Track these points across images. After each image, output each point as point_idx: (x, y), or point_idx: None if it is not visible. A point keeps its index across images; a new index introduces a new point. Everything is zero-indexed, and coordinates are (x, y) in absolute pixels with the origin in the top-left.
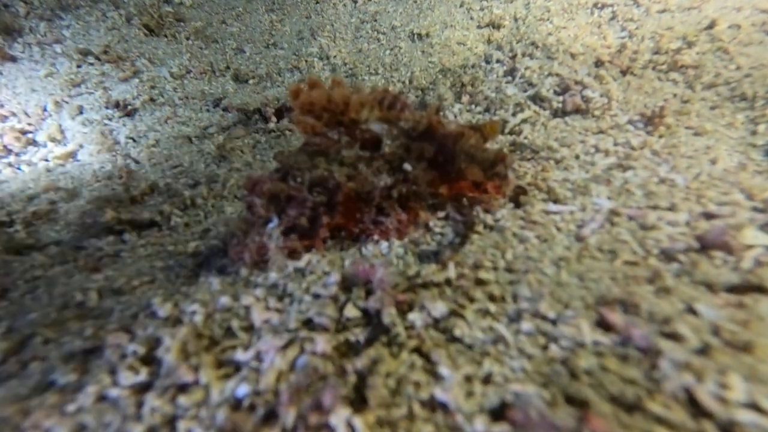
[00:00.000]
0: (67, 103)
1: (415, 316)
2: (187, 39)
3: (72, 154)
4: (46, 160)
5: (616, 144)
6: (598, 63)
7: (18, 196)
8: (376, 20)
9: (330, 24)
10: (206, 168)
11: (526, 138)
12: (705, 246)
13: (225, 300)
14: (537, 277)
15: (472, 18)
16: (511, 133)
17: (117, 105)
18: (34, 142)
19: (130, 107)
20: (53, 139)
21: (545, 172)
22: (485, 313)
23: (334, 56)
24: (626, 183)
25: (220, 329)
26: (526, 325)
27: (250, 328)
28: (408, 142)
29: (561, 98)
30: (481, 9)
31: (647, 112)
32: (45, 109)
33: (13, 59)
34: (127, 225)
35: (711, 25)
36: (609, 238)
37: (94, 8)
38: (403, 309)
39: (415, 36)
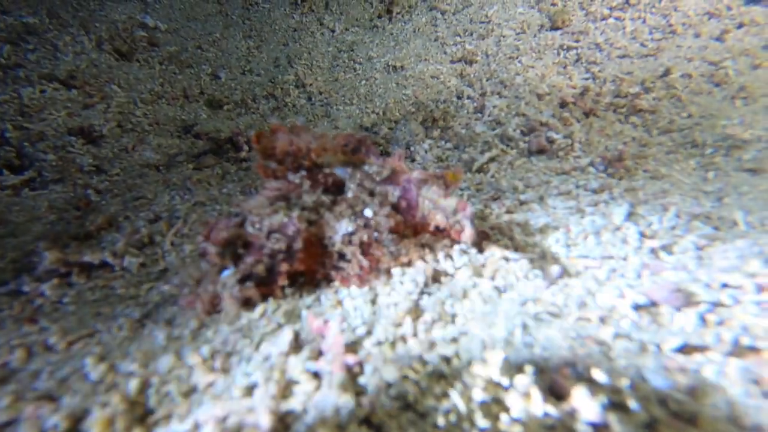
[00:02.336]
0: (28, 129)
1: (366, 381)
2: (161, 64)
3: (29, 182)
4: (2, 188)
5: (577, 186)
6: (563, 104)
7: None
8: (353, 50)
9: (307, 52)
10: (170, 201)
11: (493, 177)
12: (654, 302)
13: (167, 360)
14: (486, 337)
15: (445, 52)
16: (478, 171)
17: (81, 131)
18: None
19: (95, 134)
20: (9, 166)
21: (509, 213)
22: (440, 377)
23: (310, 84)
24: (584, 230)
25: (157, 395)
26: (478, 394)
27: (191, 392)
28: (372, 186)
29: (527, 138)
30: (455, 44)
31: (608, 155)
32: (2, 135)
33: None
34: (75, 266)
35: (666, 73)
36: (565, 290)
37: (63, 32)
38: (355, 372)
39: (391, 68)
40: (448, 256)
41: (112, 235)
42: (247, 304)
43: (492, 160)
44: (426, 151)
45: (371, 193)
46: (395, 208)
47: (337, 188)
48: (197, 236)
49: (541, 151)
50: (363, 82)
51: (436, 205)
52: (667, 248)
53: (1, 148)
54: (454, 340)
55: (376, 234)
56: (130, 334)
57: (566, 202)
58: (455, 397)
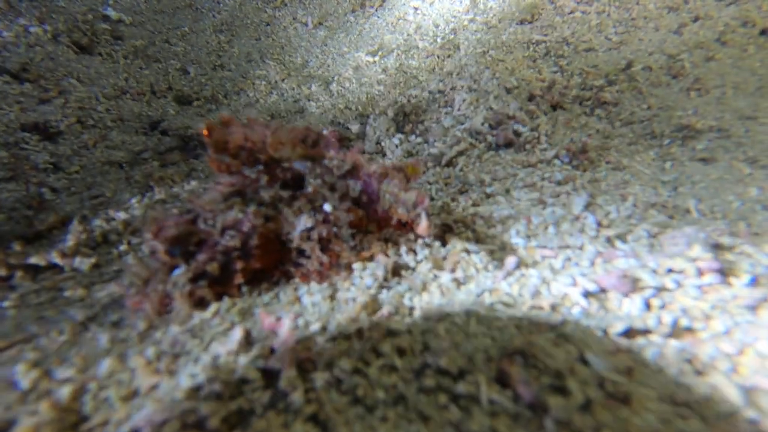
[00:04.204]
0: None
1: (317, 376)
2: (125, 58)
3: None
4: None
5: (542, 179)
6: (531, 97)
7: None
8: (326, 45)
9: (280, 47)
10: (128, 199)
11: (461, 171)
12: (603, 288)
13: (108, 363)
14: (447, 327)
15: (418, 47)
16: (447, 165)
17: (36, 127)
18: None
19: (52, 130)
20: None
21: (475, 206)
22: (391, 369)
23: (283, 80)
24: (544, 221)
25: (93, 401)
26: (429, 381)
27: (132, 397)
28: (333, 180)
29: (495, 132)
30: (426, 39)
31: (572, 147)
32: None
33: None
34: (18, 268)
35: (628, 66)
36: (520, 281)
37: (13, 23)
38: (307, 368)
39: (364, 63)
40: (411, 250)
41: (65, 235)
42: (200, 303)
43: (460, 153)
44: (396, 146)
45: (332, 188)
46: (356, 202)
47: (296, 183)
48: (145, 232)
49: (508, 144)
50: (336, 77)
51: (397, 198)
52: (621, 236)
53: None
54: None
55: (335, 229)
56: (71, 338)
57: (530, 194)
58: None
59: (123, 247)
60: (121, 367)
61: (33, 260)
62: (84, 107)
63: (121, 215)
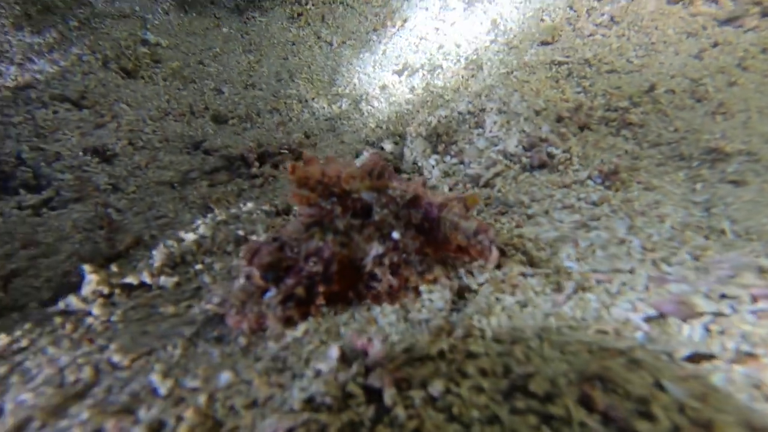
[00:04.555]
0: (42, 149)
1: (414, 394)
2: (164, 80)
3: (47, 202)
4: (19, 208)
5: (578, 199)
6: (559, 119)
7: None
8: (351, 64)
9: (307, 66)
10: (192, 219)
11: (499, 192)
12: (662, 314)
13: (227, 376)
14: (523, 351)
15: (441, 67)
16: (485, 186)
17: (95, 150)
18: (4, 189)
19: (108, 153)
20: (26, 186)
21: (519, 227)
22: (479, 390)
23: (313, 98)
24: (591, 244)
25: (223, 409)
26: (519, 404)
27: (252, 406)
28: (396, 209)
29: (528, 153)
30: (450, 59)
31: (604, 168)
32: (19, 156)
33: None
34: (118, 287)
35: (651, 89)
36: (581, 305)
37: (68, 52)
38: (402, 386)
39: (390, 82)
40: (469, 273)
41: (140, 253)
42: (289, 322)
43: (497, 175)
44: (433, 167)
45: (396, 216)
46: (418, 228)
47: (364, 212)
48: (239, 259)
49: (542, 166)
50: (364, 96)
51: (456, 226)
52: (666, 260)
53: (18, 168)
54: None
55: (404, 255)
56: (184, 352)
57: (571, 215)
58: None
59: (198, 267)
60: (237, 379)
61: (128, 279)
62: (134, 130)
63: (191, 236)
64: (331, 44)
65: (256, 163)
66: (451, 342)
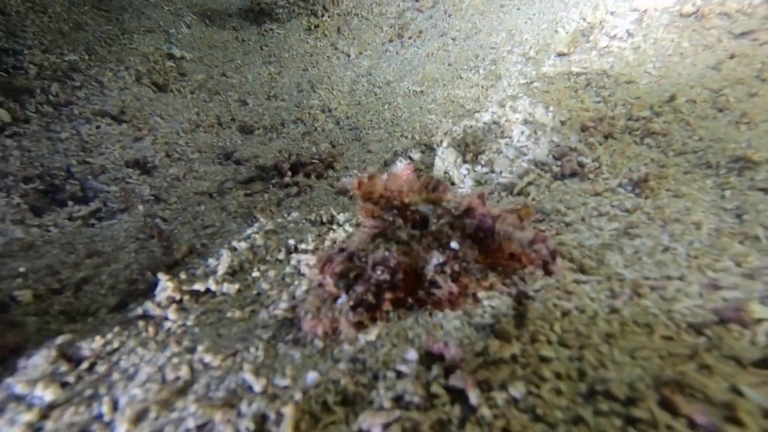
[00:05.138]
0: (89, 163)
1: (496, 396)
2: (192, 93)
3: (95, 213)
4: (70, 219)
5: (612, 206)
6: (584, 128)
7: (66, 260)
8: (370, 74)
9: (327, 77)
10: (238, 228)
11: (534, 200)
12: (723, 320)
13: (313, 375)
14: (593, 354)
15: (461, 77)
16: (519, 194)
17: (137, 163)
18: (54, 201)
19: (149, 165)
20: (74, 198)
21: (559, 235)
22: (558, 392)
23: (335, 108)
24: (637, 252)
25: (316, 404)
26: (602, 406)
27: (343, 403)
28: (451, 220)
29: (559, 162)
30: (469, 69)
31: (634, 176)
32: (68, 170)
33: (27, 121)
34: (187, 293)
35: (671, 99)
36: (640, 311)
37: (104, 68)
38: (483, 388)
39: (411, 92)
40: (521, 280)
41: (195, 261)
42: (359, 326)
43: (530, 183)
44: (464, 176)
45: (451, 226)
46: (471, 238)
47: (422, 223)
48: (310, 269)
49: (573, 174)
50: (386, 106)
51: (510, 235)
52: (711, 267)
53: (67, 182)
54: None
55: (464, 264)
56: (266, 353)
57: (609, 223)
58: None
59: (255, 274)
60: (324, 378)
61: (196, 286)
62: (169, 142)
63: (244, 245)
64: (348, 55)
65: (289, 173)
66: (521, 346)
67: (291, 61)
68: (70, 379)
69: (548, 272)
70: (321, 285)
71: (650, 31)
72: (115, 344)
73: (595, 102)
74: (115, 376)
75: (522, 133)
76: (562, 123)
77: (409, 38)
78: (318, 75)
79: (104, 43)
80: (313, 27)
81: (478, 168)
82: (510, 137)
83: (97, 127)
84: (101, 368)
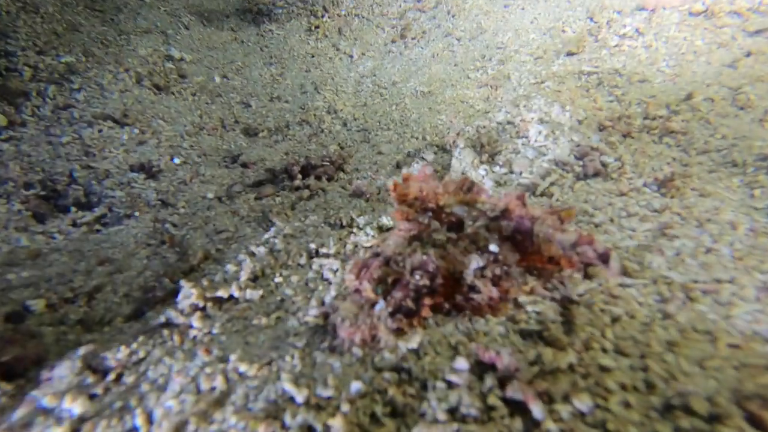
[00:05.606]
0: (92, 168)
1: (559, 408)
2: (193, 95)
3: (100, 218)
4: (74, 225)
5: (641, 206)
6: (602, 128)
7: (76, 268)
8: (375, 75)
9: (330, 78)
10: (253, 233)
11: (558, 200)
12: None
13: (357, 385)
14: (659, 365)
15: (469, 77)
16: (542, 195)
17: (142, 167)
18: (57, 207)
19: (154, 169)
20: (77, 204)
21: (590, 236)
22: (626, 405)
23: (341, 110)
24: (679, 253)
25: (364, 416)
26: (683, 423)
27: (392, 414)
28: (487, 222)
29: (581, 162)
30: (476, 69)
31: (659, 175)
32: (71, 175)
33: (24, 124)
34: (210, 300)
35: (689, 97)
36: (696, 316)
37: (102, 70)
38: (544, 400)
39: (419, 93)
40: (561, 284)
41: (211, 267)
42: (399, 334)
43: (552, 184)
44: (483, 177)
45: (487, 228)
46: (509, 240)
47: (457, 225)
48: (347, 274)
49: (596, 174)
50: (394, 107)
51: (550, 238)
52: (758, 268)
53: (70, 187)
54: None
55: (505, 268)
56: (302, 362)
57: (642, 224)
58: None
59: (278, 280)
60: (369, 388)
61: (219, 293)
62: (173, 145)
63: (262, 250)
64: (351, 56)
65: (299, 176)
66: (576, 354)
67: (292, 63)
68: (98, 390)
69: (589, 275)
70: (357, 291)
71: (662, 30)
72: (141, 354)
73: (608, 101)
74: (145, 387)
75: (539, 132)
76: (580, 122)
77: (413, 39)
78: (321, 76)
79: (101, 44)
80: (313, 28)
81: (497, 169)
82: (527, 137)
83: (100, 131)
84: (129, 379)
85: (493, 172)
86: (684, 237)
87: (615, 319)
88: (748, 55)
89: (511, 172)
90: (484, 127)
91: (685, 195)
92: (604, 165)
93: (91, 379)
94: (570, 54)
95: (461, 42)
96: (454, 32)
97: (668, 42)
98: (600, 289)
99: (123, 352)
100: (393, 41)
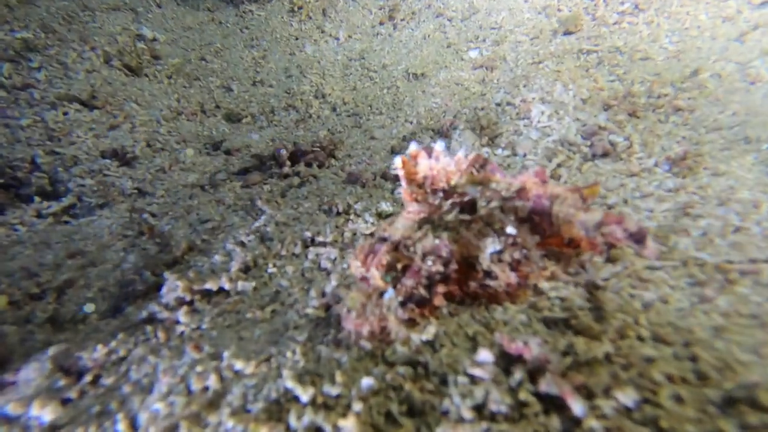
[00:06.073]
0: (58, 153)
1: (601, 404)
2: (169, 78)
3: (69, 209)
4: (38, 216)
5: (656, 187)
6: (607, 107)
7: (43, 262)
8: (363, 58)
9: (317, 61)
10: (242, 221)
11: (566, 182)
12: None
13: (369, 382)
14: (709, 353)
15: (463, 59)
16: (550, 177)
17: (114, 153)
18: (18, 197)
19: (129, 155)
20: (42, 193)
21: (619, 215)
22: (678, 399)
23: (330, 94)
24: (706, 233)
25: (379, 415)
26: (751, 419)
27: (410, 413)
28: (502, 202)
29: (588, 142)
30: (470, 50)
31: (671, 155)
32: (33, 161)
33: None
34: (198, 293)
35: (695, 73)
36: (737, 300)
37: (65, 48)
38: (582, 394)
39: (411, 75)
40: (582, 267)
41: (199, 258)
42: (411, 324)
43: (559, 165)
44: None
45: (502, 209)
46: (527, 222)
47: (470, 207)
48: (352, 260)
49: (605, 155)
50: (385, 90)
51: (571, 218)
52: None
53: (32, 174)
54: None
55: (525, 251)
56: (305, 357)
57: (659, 204)
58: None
59: (272, 270)
60: (383, 384)
61: (208, 285)
62: (149, 130)
63: (253, 239)
64: (337, 38)
65: (288, 163)
66: (612, 344)
67: (275, 45)
68: (72, 394)
69: (612, 259)
70: (364, 279)
71: (663, 5)
72: (122, 352)
73: (609, 81)
74: (127, 388)
75: (542, 113)
76: (584, 101)
77: (402, 20)
78: (307, 59)
79: (62, 20)
80: (296, 8)
81: (499, 151)
82: (528, 118)
83: (65, 114)
84: (108, 380)
85: (495, 154)
86: (708, 216)
87: (647, 305)
88: (756, 28)
89: (515, 154)
90: (483, 108)
91: (698, 174)
92: (613, 144)
93: (63, 381)
94: (567, 33)
95: (453, 22)
96: (446, 12)
97: (670, 17)
98: (626, 272)
99: (100, 351)
100: (381, 22)
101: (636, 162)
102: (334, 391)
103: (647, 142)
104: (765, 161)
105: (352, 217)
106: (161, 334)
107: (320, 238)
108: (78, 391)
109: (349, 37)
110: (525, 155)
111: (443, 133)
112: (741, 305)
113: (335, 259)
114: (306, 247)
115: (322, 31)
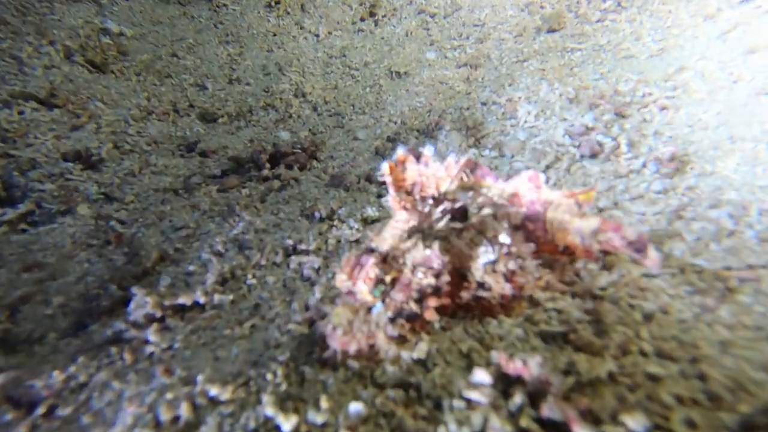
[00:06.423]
0: (13, 156)
1: (610, 431)
2: (137, 75)
3: (26, 216)
4: None
5: (644, 188)
6: (594, 105)
7: None
8: (344, 55)
9: (296, 59)
10: (218, 228)
11: (555, 185)
12: None
13: (357, 407)
14: (719, 371)
15: (446, 57)
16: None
17: (78, 156)
18: None
19: (94, 158)
20: None
21: (616, 222)
22: (690, 424)
23: (310, 93)
24: (700, 238)
25: None
26: None
27: None
28: (494, 209)
29: (576, 143)
30: (453, 48)
31: (659, 155)
32: None
33: None
34: (169, 309)
35: (679, 71)
36: (740, 309)
37: (20, 42)
38: (588, 420)
39: (394, 73)
40: (577, 276)
41: (171, 270)
42: (400, 341)
43: (548, 167)
44: None
45: (494, 216)
46: (520, 229)
47: (461, 214)
48: (339, 274)
49: (593, 155)
50: (368, 89)
51: (565, 225)
52: None
53: None
54: None
55: (519, 261)
56: (287, 379)
57: (651, 206)
58: None
59: (251, 281)
60: (373, 410)
61: (181, 300)
62: (116, 131)
63: (231, 248)
64: (317, 35)
65: (268, 165)
66: (615, 362)
67: (252, 41)
68: (21, 430)
69: (608, 266)
70: (351, 293)
71: (645, 3)
72: (82, 378)
73: (594, 79)
74: (87, 419)
75: (528, 112)
76: (570, 101)
77: (383, 16)
78: (285, 56)
79: (15, 11)
80: (273, 3)
81: (486, 152)
82: (515, 118)
83: (20, 113)
84: (65, 411)
85: (482, 155)
86: (701, 219)
87: (648, 316)
88: (736, 26)
89: (502, 155)
90: (468, 108)
91: (686, 174)
92: (600, 145)
93: (11, 415)
94: (551, 30)
95: (436, 19)
96: (428, 9)
97: (653, 15)
98: (624, 281)
99: (56, 377)
100: (362, 19)
101: (624, 163)
102: (319, 418)
103: (634, 143)
104: (751, 161)
105: (336, 223)
106: (128, 356)
107: (303, 246)
108: (29, 425)
109: (329, 33)
110: (513, 156)
111: (428, 134)
112: (744, 316)
113: (319, 268)
114: (288, 255)
115: (301, 28)
